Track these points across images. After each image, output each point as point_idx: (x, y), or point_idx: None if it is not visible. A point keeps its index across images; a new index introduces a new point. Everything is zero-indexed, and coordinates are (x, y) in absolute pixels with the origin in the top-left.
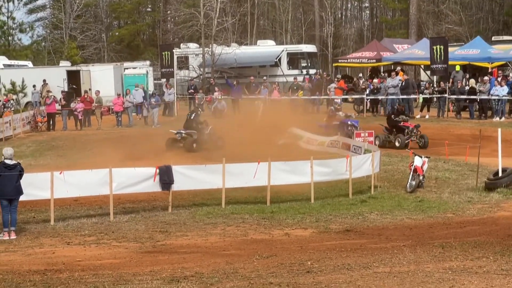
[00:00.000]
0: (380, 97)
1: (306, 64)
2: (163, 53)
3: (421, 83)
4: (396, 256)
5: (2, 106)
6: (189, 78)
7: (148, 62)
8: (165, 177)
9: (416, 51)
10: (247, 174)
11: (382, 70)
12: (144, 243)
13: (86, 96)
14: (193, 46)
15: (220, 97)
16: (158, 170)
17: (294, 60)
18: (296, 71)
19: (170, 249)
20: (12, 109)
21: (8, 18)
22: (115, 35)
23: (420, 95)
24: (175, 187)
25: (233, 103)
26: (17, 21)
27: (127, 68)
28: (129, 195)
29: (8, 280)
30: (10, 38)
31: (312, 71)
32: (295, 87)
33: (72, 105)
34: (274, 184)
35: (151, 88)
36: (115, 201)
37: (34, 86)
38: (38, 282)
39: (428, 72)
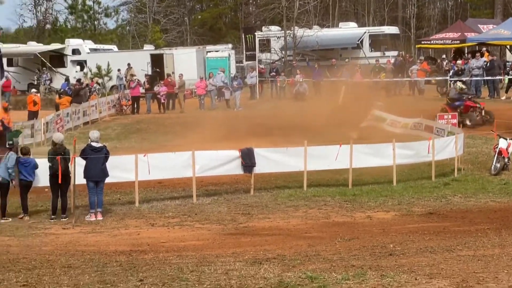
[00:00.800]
0: (464, 79)
1: (388, 46)
2: (247, 36)
3: (507, 63)
4: (480, 239)
5: (88, 90)
6: (271, 61)
7: (230, 45)
8: (247, 160)
9: (501, 31)
10: (329, 157)
11: (466, 51)
12: (227, 225)
13: (170, 80)
14: (275, 28)
15: (301, 80)
16: (240, 153)
17: (376, 42)
18: (378, 53)
19: (252, 231)
20: (98, 92)
21: (94, 3)
22: (197, 18)
23: (506, 76)
24: (257, 169)
25: (314, 85)
26: (103, 5)
27: (209, 51)
28: (211, 178)
29: (95, 260)
30: (96, 22)
31: (394, 53)
32: (377, 69)
33: (156, 88)
34: (356, 167)
35: (233, 71)
36: (198, 184)
37: (119, 70)
38: (124, 262)
39: None
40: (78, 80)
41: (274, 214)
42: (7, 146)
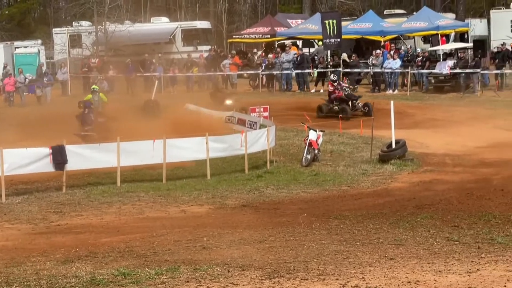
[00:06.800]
0: (275, 72)
1: (200, 40)
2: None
3: (315, 57)
4: (291, 230)
5: None
6: (82, 57)
7: (39, 41)
8: (59, 157)
9: (310, 26)
10: (143, 152)
11: (276, 45)
12: (38, 224)
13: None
14: (86, 24)
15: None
16: (51, 150)
17: (188, 36)
18: (190, 48)
19: (64, 229)
20: None
21: None
22: (5, 13)
23: (315, 69)
24: (69, 166)
25: (127, 81)
26: None
27: (18, 47)
28: (21, 176)
29: None
30: None
31: (206, 48)
32: (189, 64)
33: None
34: (170, 162)
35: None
36: (7, 183)
37: None
38: None
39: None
40: None
41: (87, 211)
42: None
